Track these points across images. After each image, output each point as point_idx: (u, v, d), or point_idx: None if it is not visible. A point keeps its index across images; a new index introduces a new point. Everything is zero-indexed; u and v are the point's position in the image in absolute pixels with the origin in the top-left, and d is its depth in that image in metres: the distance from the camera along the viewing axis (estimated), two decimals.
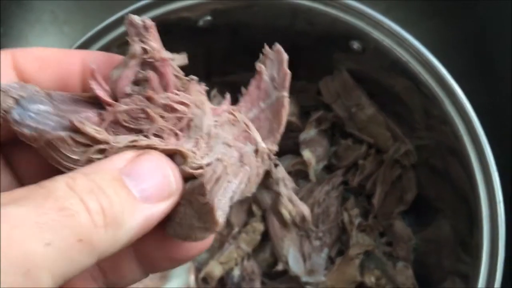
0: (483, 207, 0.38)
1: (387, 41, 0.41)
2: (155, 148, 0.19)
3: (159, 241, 0.21)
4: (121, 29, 0.41)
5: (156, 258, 0.22)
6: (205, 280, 0.50)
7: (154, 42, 0.21)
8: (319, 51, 0.46)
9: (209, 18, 0.43)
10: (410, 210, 0.51)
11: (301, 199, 0.49)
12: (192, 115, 0.20)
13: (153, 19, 0.40)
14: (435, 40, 0.48)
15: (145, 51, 0.21)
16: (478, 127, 0.39)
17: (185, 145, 0.20)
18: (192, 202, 0.19)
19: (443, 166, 0.45)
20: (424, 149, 0.47)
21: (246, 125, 0.22)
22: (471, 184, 0.39)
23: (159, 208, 0.18)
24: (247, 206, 0.50)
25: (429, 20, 0.51)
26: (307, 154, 0.49)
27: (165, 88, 0.21)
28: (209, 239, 0.22)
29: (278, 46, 0.24)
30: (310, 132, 0.49)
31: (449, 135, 0.40)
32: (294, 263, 0.48)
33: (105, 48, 0.41)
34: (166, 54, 0.21)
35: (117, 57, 0.22)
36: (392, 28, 0.41)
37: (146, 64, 0.21)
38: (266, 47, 0.24)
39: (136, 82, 0.21)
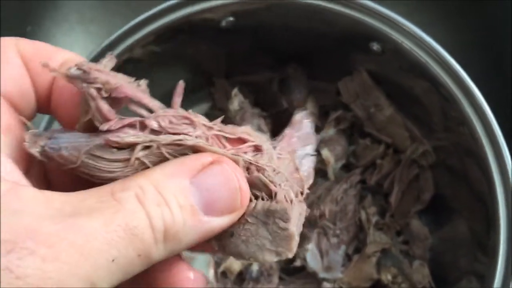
0: (500, 208, 0.38)
1: (406, 43, 0.41)
2: (201, 148, 0.19)
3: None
4: (146, 30, 0.42)
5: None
6: (224, 274, 0.51)
7: (105, 76, 0.20)
8: (339, 52, 0.47)
9: (231, 19, 0.44)
10: (427, 210, 0.51)
11: (319, 197, 0.50)
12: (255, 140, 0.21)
13: (178, 20, 0.42)
14: (454, 42, 0.48)
15: (99, 90, 0.20)
16: (496, 128, 0.39)
17: (244, 156, 0.20)
18: (268, 224, 0.19)
19: (460, 167, 0.45)
20: (441, 150, 0.48)
21: (297, 167, 0.22)
22: (488, 185, 0.39)
23: (221, 222, 0.19)
24: None
25: (448, 22, 0.51)
26: (325, 153, 0.49)
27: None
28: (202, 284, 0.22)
29: None
30: (329, 132, 0.50)
31: (467, 136, 0.41)
32: (312, 259, 0.49)
33: (130, 48, 0.42)
34: (113, 80, 0.20)
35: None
36: (412, 30, 0.41)
37: (108, 99, 0.20)
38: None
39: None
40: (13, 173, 0.18)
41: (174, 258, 0.21)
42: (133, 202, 0.17)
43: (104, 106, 0.19)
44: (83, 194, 0.18)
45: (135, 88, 0.21)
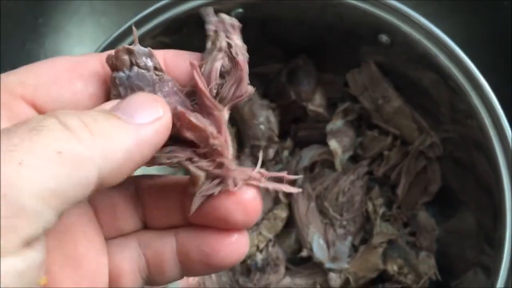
0: (507, 200, 0.38)
1: (415, 35, 0.41)
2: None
3: (203, 242, 0.22)
4: (155, 21, 0.42)
5: (195, 262, 0.23)
6: None
7: (238, 40, 0.23)
8: (347, 44, 0.47)
9: (240, 10, 0.44)
10: (434, 202, 0.51)
11: (327, 188, 0.51)
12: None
13: (187, 11, 0.42)
14: (463, 35, 0.48)
15: (229, 46, 0.22)
16: (505, 121, 0.39)
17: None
18: None
19: (468, 159, 0.45)
20: (449, 142, 0.48)
21: None
22: (495, 177, 0.39)
23: (149, 128, 0.18)
24: (274, 193, 0.52)
25: (457, 14, 0.51)
26: (333, 144, 0.50)
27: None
28: (244, 249, 0.23)
29: None
30: (337, 123, 0.50)
31: (475, 129, 0.41)
32: (318, 249, 0.49)
33: (140, 40, 0.42)
34: (245, 53, 0.23)
35: None
36: (421, 22, 0.41)
37: (229, 58, 0.22)
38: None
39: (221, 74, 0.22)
40: None
41: None
42: (40, 116, 0.17)
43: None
44: None
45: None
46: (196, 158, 0.21)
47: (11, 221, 0.14)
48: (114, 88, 0.20)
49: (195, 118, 0.21)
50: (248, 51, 0.52)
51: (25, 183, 0.15)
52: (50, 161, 0.15)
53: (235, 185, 0.21)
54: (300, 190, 0.23)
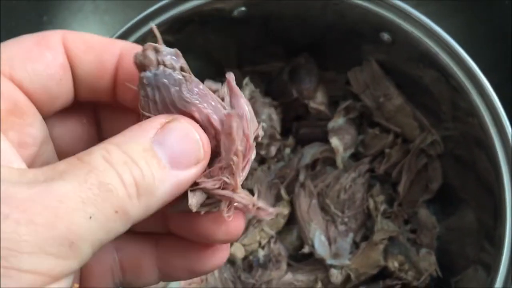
0: (507, 197, 0.39)
1: (416, 33, 0.41)
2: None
3: (184, 253, 0.23)
4: (158, 19, 0.42)
5: (176, 267, 0.23)
6: (232, 263, 0.52)
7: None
8: (349, 42, 0.47)
9: (243, 9, 0.44)
10: (435, 199, 0.52)
11: (328, 185, 0.51)
12: None
13: (190, 9, 0.42)
14: (464, 34, 0.49)
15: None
16: (505, 119, 0.39)
17: None
18: None
19: (469, 157, 0.45)
20: (450, 140, 0.48)
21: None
22: (496, 175, 0.40)
23: (188, 174, 0.19)
24: (276, 191, 0.52)
25: (459, 13, 0.51)
26: (335, 141, 0.50)
27: None
28: (227, 253, 0.23)
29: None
30: (338, 121, 0.51)
31: (475, 127, 0.41)
32: (320, 246, 0.49)
33: (143, 38, 0.43)
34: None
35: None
36: (422, 20, 0.41)
37: None
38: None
39: None
40: (6, 154, 0.18)
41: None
42: (101, 162, 0.18)
43: None
44: (53, 164, 0.18)
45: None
46: (202, 179, 0.21)
47: (69, 263, 0.16)
48: (142, 88, 0.20)
49: (236, 124, 0.20)
50: (251, 49, 0.53)
51: (91, 235, 0.17)
52: (109, 218, 0.17)
53: (228, 211, 0.21)
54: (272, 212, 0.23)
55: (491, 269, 0.39)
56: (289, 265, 0.52)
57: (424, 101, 0.48)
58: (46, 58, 0.20)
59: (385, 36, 0.43)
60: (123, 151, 0.18)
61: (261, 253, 0.51)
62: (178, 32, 0.44)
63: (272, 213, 0.22)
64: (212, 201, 0.21)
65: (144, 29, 0.42)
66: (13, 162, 0.19)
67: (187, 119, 0.20)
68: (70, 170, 0.17)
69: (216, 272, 0.52)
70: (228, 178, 0.21)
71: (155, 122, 0.20)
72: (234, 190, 0.21)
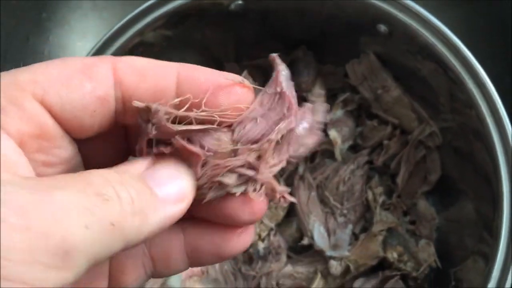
0: (504, 189, 0.39)
1: (414, 25, 0.41)
2: None
3: (211, 237, 0.23)
4: (156, 14, 0.42)
5: (204, 252, 0.23)
6: None
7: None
8: (347, 35, 0.47)
9: (240, 2, 0.44)
10: (434, 191, 0.52)
11: (327, 177, 0.52)
12: None
13: (187, 3, 0.42)
14: (462, 26, 0.49)
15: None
16: (503, 111, 0.39)
17: None
18: None
19: (467, 148, 0.45)
20: (448, 131, 0.48)
21: None
22: (493, 166, 0.40)
23: (177, 209, 0.20)
24: None
25: (458, 6, 0.51)
26: (333, 133, 0.50)
27: None
28: (251, 236, 0.24)
29: None
30: (336, 113, 0.51)
31: (473, 118, 0.41)
32: (319, 238, 0.50)
33: (141, 32, 0.43)
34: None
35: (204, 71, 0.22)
36: (419, 12, 0.41)
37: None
38: None
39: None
40: (22, 168, 0.19)
41: None
42: (99, 178, 0.18)
43: None
44: (57, 175, 0.18)
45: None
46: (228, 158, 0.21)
47: (63, 274, 0.16)
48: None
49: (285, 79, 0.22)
50: (249, 43, 0.52)
51: (86, 247, 0.16)
52: (105, 230, 0.17)
53: (256, 191, 0.21)
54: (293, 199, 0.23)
55: (489, 259, 0.40)
56: (288, 257, 0.52)
57: (422, 93, 0.48)
58: (84, 88, 0.20)
59: (382, 28, 0.43)
60: (120, 175, 0.19)
61: (261, 246, 0.52)
62: (175, 27, 0.44)
63: (291, 200, 0.23)
64: (242, 181, 0.22)
65: (142, 23, 0.42)
66: (18, 168, 0.18)
67: (173, 161, 0.21)
68: (71, 181, 0.17)
69: (216, 265, 0.52)
70: (256, 160, 0.21)
71: (144, 161, 0.20)
72: (257, 172, 0.21)
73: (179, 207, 0.20)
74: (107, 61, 0.21)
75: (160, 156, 0.21)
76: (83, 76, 0.20)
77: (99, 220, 0.17)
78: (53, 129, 0.20)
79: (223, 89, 0.21)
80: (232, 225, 0.23)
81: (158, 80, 0.21)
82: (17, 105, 0.19)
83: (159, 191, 0.19)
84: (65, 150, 0.21)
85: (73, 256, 0.16)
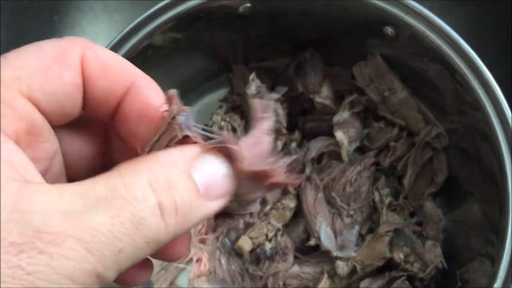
0: (510, 190, 0.39)
1: (420, 27, 0.42)
2: None
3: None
4: (165, 16, 0.43)
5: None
6: (239, 255, 0.53)
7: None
8: (353, 37, 0.48)
9: (248, 5, 0.45)
10: (441, 192, 0.52)
11: (334, 178, 0.52)
12: None
13: (196, 6, 0.43)
14: (469, 28, 0.49)
15: None
16: (508, 112, 0.40)
17: None
18: None
19: (473, 150, 0.46)
20: (455, 133, 0.48)
21: None
22: (500, 168, 0.40)
23: (216, 205, 0.20)
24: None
25: (464, 7, 0.51)
26: (339, 134, 0.51)
27: None
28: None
29: None
30: (343, 115, 0.51)
31: (480, 120, 0.41)
32: (326, 238, 0.50)
33: (150, 35, 0.43)
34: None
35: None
36: (425, 14, 0.41)
37: None
38: None
39: None
40: (27, 170, 0.19)
41: None
42: (144, 189, 0.18)
43: None
44: (93, 181, 0.18)
45: None
46: None
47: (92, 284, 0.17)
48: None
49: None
50: (257, 46, 0.53)
51: (119, 266, 0.18)
52: (139, 249, 0.18)
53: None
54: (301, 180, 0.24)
55: (495, 261, 0.40)
56: (295, 257, 0.52)
57: (428, 94, 0.48)
58: (64, 78, 0.20)
59: (389, 30, 0.44)
60: (167, 175, 0.19)
61: (268, 246, 0.52)
62: (184, 29, 0.45)
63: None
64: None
65: (151, 26, 0.43)
66: (35, 176, 0.19)
67: (218, 151, 0.21)
68: (108, 198, 0.18)
69: (224, 264, 0.53)
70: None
71: (192, 149, 0.20)
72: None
73: (219, 203, 0.20)
74: (78, 46, 0.21)
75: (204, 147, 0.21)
76: (60, 65, 0.20)
77: (133, 243, 0.18)
78: (41, 124, 0.20)
79: (146, 117, 0.22)
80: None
81: (115, 81, 0.22)
82: (9, 104, 0.19)
83: (202, 186, 0.20)
84: (51, 144, 0.21)
85: (105, 275, 0.17)
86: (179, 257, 0.24)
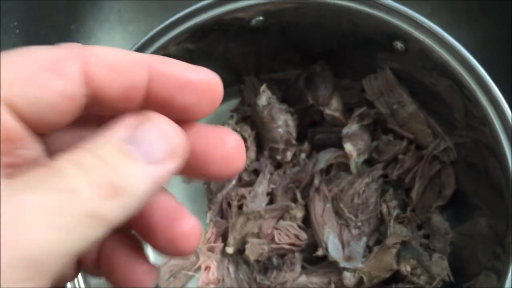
0: None
1: (428, 42, 0.42)
2: None
3: None
4: (180, 28, 0.44)
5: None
6: (247, 262, 0.53)
7: None
8: (364, 51, 0.48)
9: (261, 18, 0.46)
10: (448, 205, 0.52)
11: (342, 190, 0.52)
12: None
13: (210, 19, 0.44)
14: (478, 42, 0.49)
15: None
16: None
17: None
18: None
19: (481, 164, 0.46)
20: (463, 147, 0.49)
21: None
22: (507, 182, 0.40)
23: (165, 168, 0.19)
24: (292, 194, 0.54)
25: (473, 22, 0.52)
26: (348, 146, 0.51)
27: None
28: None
29: None
30: (352, 127, 0.52)
31: (487, 135, 0.42)
32: (333, 249, 0.51)
33: (165, 46, 0.44)
34: None
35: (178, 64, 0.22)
36: (434, 29, 0.42)
37: None
38: None
39: None
40: None
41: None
42: (72, 168, 0.17)
43: None
44: (24, 173, 0.17)
45: None
46: None
47: (36, 283, 0.15)
48: None
49: None
50: (268, 57, 0.54)
51: (60, 248, 0.16)
52: (82, 224, 0.16)
53: None
54: None
55: (501, 275, 0.40)
56: (303, 267, 0.53)
57: (437, 109, 0.49)
58: (52, 87, 0.18)
59: (398, 45, 0.44)
60: (96, 155, 0.17)
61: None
62: (199, 41, 0.46)
63: None
64: None
65: (166, 37, 0.44)
66: None
67: (159, 115, 0.19)
68: (37, 178, 0.16)
69: (232, 273, 0.53)
70: None
71: (125, 122, 0.19)
72: None
73: (169, 167, 0.19)
74: (76, 55, 0.19)
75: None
76: (51, 74, 0.19)
77: (71, 217, 0.16)
78: (19, 132, 0.19)
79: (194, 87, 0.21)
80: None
81: (131, 76, 0.20)
82: None
83: (144, 156, 0.18)
84: (30, 150, 0.20)
85: (47, 263, 0.15)
86: (190, 248, 0.22)
